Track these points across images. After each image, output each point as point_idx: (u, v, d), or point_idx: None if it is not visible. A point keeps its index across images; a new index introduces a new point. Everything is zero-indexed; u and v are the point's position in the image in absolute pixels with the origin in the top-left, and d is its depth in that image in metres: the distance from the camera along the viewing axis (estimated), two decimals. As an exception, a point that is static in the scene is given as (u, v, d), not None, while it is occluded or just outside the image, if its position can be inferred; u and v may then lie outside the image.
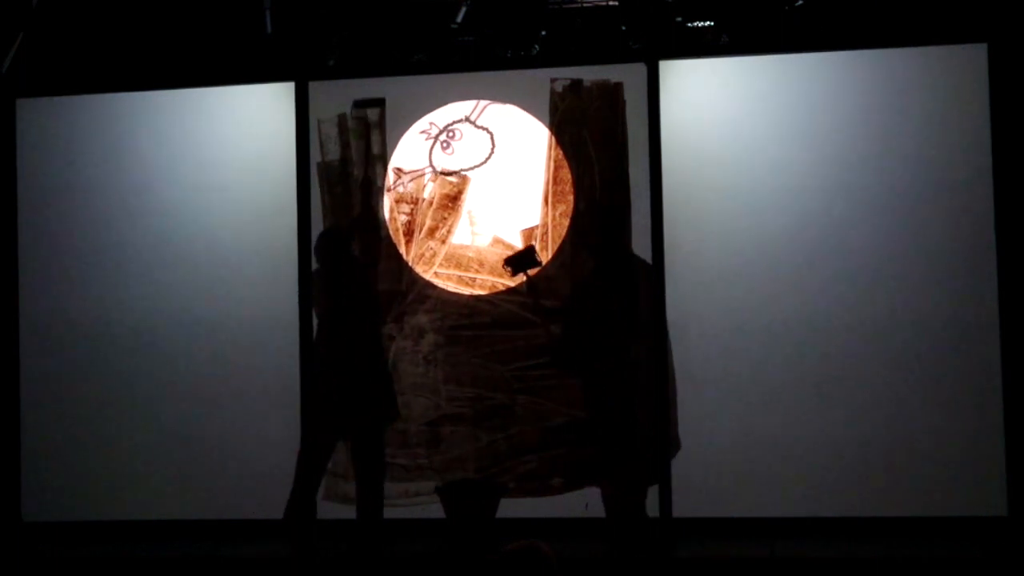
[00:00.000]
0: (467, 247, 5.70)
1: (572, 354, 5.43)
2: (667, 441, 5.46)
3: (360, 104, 5.71)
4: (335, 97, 5.77)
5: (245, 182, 5.89)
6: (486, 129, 5.68)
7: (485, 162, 5.68)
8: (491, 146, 5.65)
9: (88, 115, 6.04)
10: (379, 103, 5.72)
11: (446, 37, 5.88)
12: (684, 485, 5.51)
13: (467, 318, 5.65)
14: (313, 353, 5.68)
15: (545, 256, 5.58)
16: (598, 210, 5.56)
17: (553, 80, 5.63)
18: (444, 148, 5.70)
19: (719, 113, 5.62)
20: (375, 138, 5.74)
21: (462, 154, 5.70)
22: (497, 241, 5.67)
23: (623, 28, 5.75)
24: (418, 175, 5.72)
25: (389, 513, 5.65)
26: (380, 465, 5.63)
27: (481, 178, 5.69)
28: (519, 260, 5.38)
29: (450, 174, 5.68)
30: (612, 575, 5.48)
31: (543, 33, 5.82)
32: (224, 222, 5.91)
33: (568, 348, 5.43)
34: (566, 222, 5.60)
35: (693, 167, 5.59)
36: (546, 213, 5.61)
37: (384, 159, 5.73)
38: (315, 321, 5.70)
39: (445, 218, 5.70)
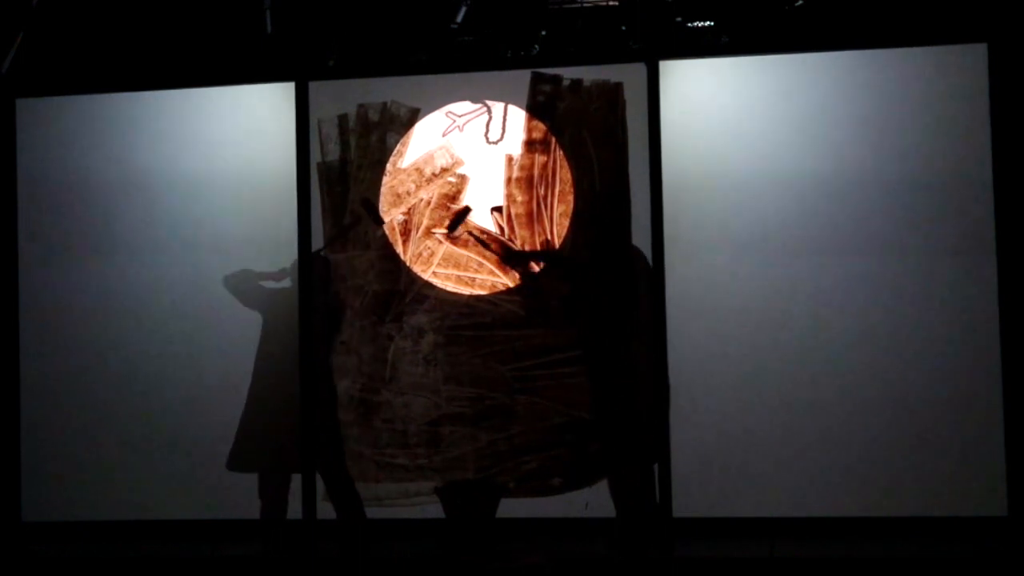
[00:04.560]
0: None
1: (578, 350, 5.47)
2: (665, 431, 5.48)
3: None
4: (335, 97, 5.78)
5: (245, 182, 5.89)
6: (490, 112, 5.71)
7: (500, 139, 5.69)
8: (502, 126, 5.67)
9: (88, 115, 6.04)
10: (414, 112, 5.74)
11: (446, 37, 5.88)
12: (684, 485, 5.52)
13: (467, 318, 5.65)
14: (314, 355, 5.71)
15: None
16: (598, 210, 5.57)
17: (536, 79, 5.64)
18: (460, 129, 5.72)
19: (719, 113, 5.62)
20: (375, 138, 5.74)
21: (472, 133, 5.71)
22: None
23: (623, 28, 5.75)
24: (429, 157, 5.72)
25: (388, 513, 5.66)
26: (347, 482, 5.66)
27: (480, 177, 5.69)
28: (453, 223, 5.50)
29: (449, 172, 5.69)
30: (613, 575, 5.49)
31: (543, 33, 5.83)
32: (224, 222, 5.91)
33: (574, 345, 5.48)
34: (566, 222, 5.60)
35: (693, 167, 5.59)
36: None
37: (383, 159, 5.73)
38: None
39: (443, 217, 5.69)
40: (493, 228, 5.64)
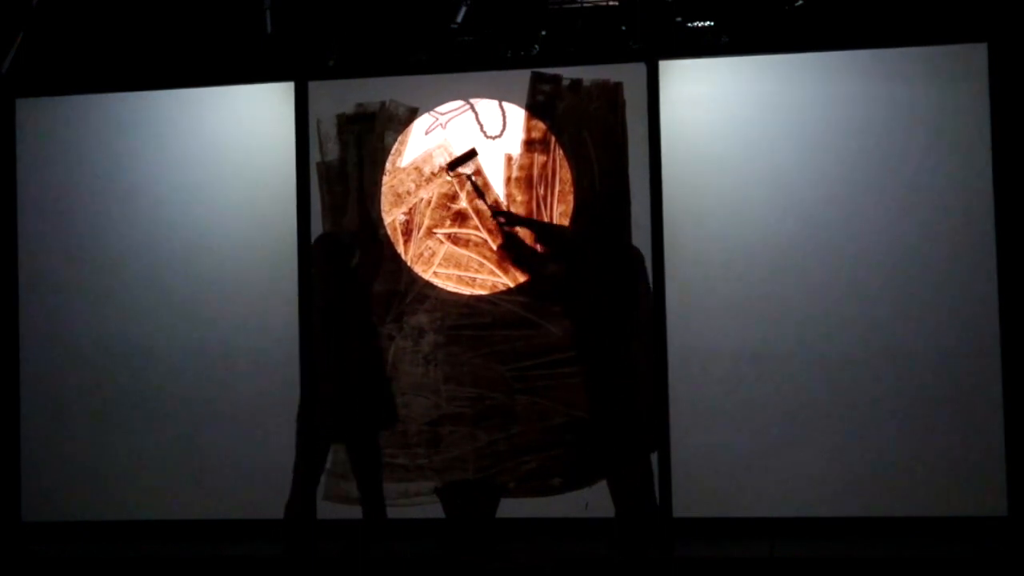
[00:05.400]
0: (466, 247, 5.71)
1: (578, 350, 5.50)
2: (665, 419, 5.48)
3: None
4: (335, 97, 5.78)
5: (245, 182, 5.90)
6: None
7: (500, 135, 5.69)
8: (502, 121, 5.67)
9: (88, 115, 6.04)
10: (412, 111, 5.74)
11: (446, 37, 5.89)
12: (684, 485, 5.51)
13: (467, 318, 5.65)
14: (313, 354, 5.70)
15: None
16: (597, 210, 5.57)
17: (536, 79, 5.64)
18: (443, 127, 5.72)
19: (719, 113, 5.62)
20: (374, 137, 5.74)
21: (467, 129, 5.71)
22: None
23: (623, 28, 5.76)
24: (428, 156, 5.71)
25: (389, 513, 5.66)
26: (378, 466, 5.64)
27: (479, 177, 5.69)
28: (458, 160, 5.48)
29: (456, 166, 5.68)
30: (613, 575, 5.49)
31: (543, 33, 5.83)
32: (224, 222, 5.91)
33: (574, 345, 5.52)
34: (566, 222, 5.60)
35: (693, 167, 5.59)
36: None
37: (383, 159, 5.73)
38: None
39: (443, 217, 5.70)
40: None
